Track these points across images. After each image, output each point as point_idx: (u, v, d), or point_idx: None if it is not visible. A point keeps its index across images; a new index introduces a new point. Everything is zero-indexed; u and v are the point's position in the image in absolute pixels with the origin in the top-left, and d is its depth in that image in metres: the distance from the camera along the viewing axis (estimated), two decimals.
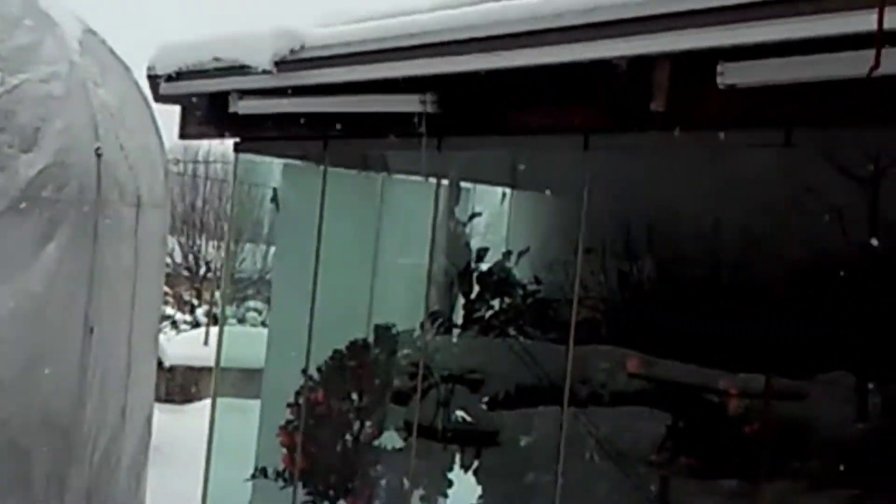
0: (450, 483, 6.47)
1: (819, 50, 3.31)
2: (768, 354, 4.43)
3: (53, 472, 6.81)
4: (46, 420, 6.75)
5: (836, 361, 5.89)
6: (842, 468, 5.54)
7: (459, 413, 6.49)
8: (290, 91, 5.44)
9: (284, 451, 6.62)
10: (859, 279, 5.88)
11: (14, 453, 6.68)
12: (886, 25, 2.66)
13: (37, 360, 6.74)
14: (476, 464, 6.40)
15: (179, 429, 9.59)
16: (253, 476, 6.78)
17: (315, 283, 6.51)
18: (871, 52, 2.67)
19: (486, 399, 6.60)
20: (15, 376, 6.67)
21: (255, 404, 7.22)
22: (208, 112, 6.54)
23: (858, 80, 2.96)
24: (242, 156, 6.98)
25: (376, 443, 6.57)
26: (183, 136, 6.85)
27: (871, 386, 5.80)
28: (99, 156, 6.92)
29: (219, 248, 16.05)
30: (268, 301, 8.82)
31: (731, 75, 3.66)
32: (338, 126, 5.84)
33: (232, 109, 5.85)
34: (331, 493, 6.52)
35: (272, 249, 8.86)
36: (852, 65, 3.06)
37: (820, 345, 5.94)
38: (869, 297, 5.90)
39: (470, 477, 6.44)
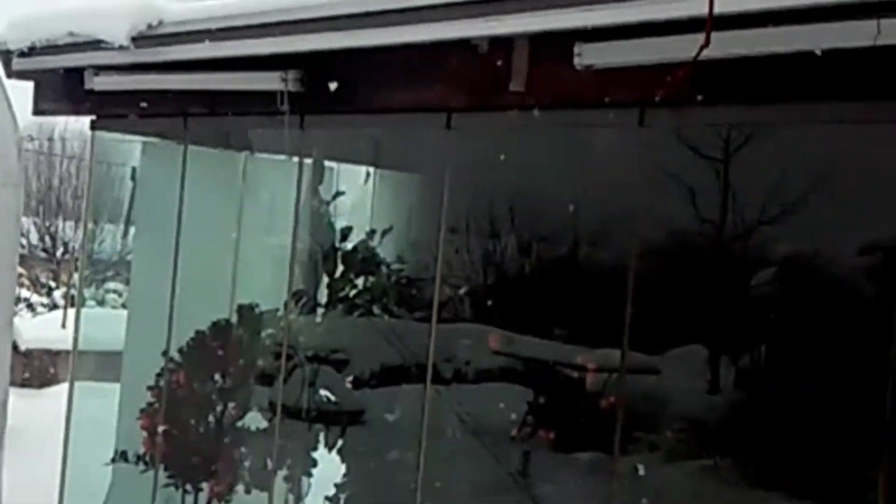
0: (314, 462, 6.47)
1: (672, 32, 3.41)
2: (624, 330, 4.55)
3: None
4: None
5: (690, 336, 6.08)
6: (694, 440, 5.73)
7: (324, 392, 6.49)
8: (147, 67, 5.35)
9: (145, 434, 6.53)
10: (711, 257, 6.08)
11: None
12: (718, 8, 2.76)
13: None
14: (340, 443, 6.42)
15: (37, 413, 9.36)
16: (113, 460, 6.67)
17: (176, 264, 6.42)
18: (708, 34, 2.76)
19: (350, 378, 6.61)
20: None
21: (115, 388, 7.09)
22: (63, 88, 6.37)
23: (710, 61, 3.07)
24: (100, 133, 6.82)
25: (240, 424, 6.53)
26: (37, 112, 6.66)
27: (723, 359, 6.00)
28: None
29: (77, 228, 15.64)
30: (128, 283, 8.64)
31: (587, 56, 3.75)
32: (198, 103, 5.77)
33: (88, 86, 5.71)
34: (193, 475, 6.45)
35: (132, 230, 8.68)
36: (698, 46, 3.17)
37: (673, 320, 6.14)
38: (720, 273, 6.10)
39: (335, 456, 6.45)
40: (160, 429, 6.42)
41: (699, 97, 3.65)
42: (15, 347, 8.72)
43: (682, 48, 3.39)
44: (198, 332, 6.52)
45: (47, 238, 16.29)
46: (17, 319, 8.83)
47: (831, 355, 5.34)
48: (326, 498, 6.27)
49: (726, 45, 3.10)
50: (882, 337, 3.90)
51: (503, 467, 6.02)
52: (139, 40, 5.12)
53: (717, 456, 5.55)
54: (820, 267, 5.63)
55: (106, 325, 7.77)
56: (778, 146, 4.90)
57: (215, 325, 6.55)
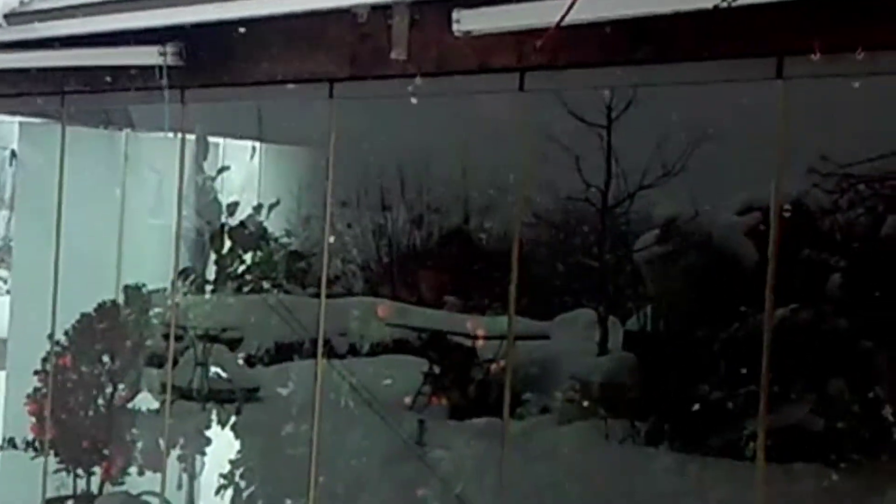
0: (208, 441, 6.43)
1: None
2: (512, 296, 4.61)
3: None
4: None
5: (577, 301, 6.19)
6: (584, 401, 5.84)
7: (217, 370, 6.46)
8: (21, 45, 5.22)
9: (33, 419, 6.40)
10: (596, 221, 6.19)
11: None
12: None
13: None
14: (234, 420, 6.39)
15: None
16: (0, 447, 6.53)
17: (58, 247, 6.30)
18: None
19: (243, 356, 6.58)
20: None
21: (0, 374, 6.95)
22: None
23: (590, 25, 3.12)
24: None
25: (130, 405, 6.44)
26: None
27: (610, 322, 6.11)
28: None
29: None
30: (10, 268, 8.45)
31: (466, 22, 3.77)
32: (76, 81, 5.65)
33: None
34: (85, 459, 6.35)
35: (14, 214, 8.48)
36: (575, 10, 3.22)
37: (561, 285, 6.24)
38: (605, 238, 6.22)
39: (228, 433, 6.42)
40: (48, 413, 6.30)
41: (576, 59, 3.71)
42: None
43: (557, 11, 3.45)
44: (83, 315, 6.41)
45: None
46: None
47: (712, 313, 5.50)
48: (221, 475, 6.24)
49: (596, 8, 3.15)
50: (758, 293, 4.02)
51: (399, 437, 6.06)
52: (11, 17, 4.99)
53: (606, 415, 5.67)
54: (700, 227, 5.78)
55: None
56: (658, 110, 5.00)
57: (101, 306, 6.44)
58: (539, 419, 5.80)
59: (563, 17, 2.73)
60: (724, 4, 2.74)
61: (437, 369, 6.47)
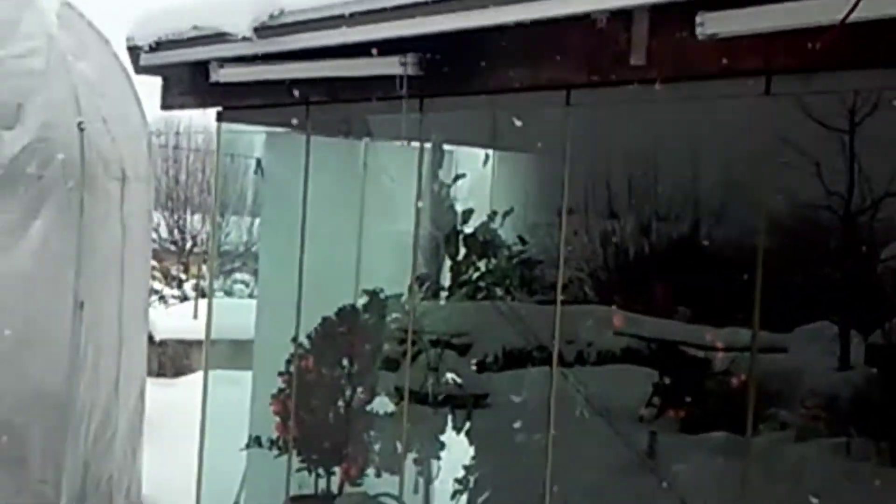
0: (442, 445, 6.52)
1: None
2: (753, 308, 4.48)
3: (49, 448, 6.86)
4: (40, 396, 6.80)
5: (818, 313, 5.96)
6: (827, 417, 5.62)
7: (450, 376, 6.54)
8: (270, 58, 5.45)
9: (277, 419, 6.65)
10: (839, 230, 5.94)
11: (8, 430, 6.72)
12: None
13: (28, 336, 6.78)
14: (468, 425, 6.46)
15: (172, 402, 9.62)
16: (247, 446, 6.82)
17: (302, 252, 6.53)
18: None
19: (474, 362, 6.64)
20: (6, 353, 6.71)
21: (247, 375, 7.25)
22: (189, 82, 6.53)
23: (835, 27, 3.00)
24: (225, 126, 6.98)
25: (368, 408, 6.61)
26: (165, 106, 6.84)
27: (853, 335, 5.87)
28: (82, 130, 6.94)
29: (204, 221, 16.02)
30: (254, 273, 8.83)
31: (710, 25, 3.69)
32: (319, 92, 5.85)
33: (213, 78, 5.84)
34: (325, 459, 6.56)
35: (257, 221, 8.84)
36: (826, 10, 3.11)
37: (801, 297, 6.02)
38: (848, 247, 5.97)
39: (462, 439, 6.50)
40: (292, 414, 6.54)
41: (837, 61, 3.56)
42: (150, 338, 9.00)
43: (808, 12, 3.34)
44: (324, 319, 6.63)
45: (176, 231, 16.73)
46: (151, 311, 9.11)
47: None
48: (456, 480, 6.32)
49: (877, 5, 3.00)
50: None
51: (631, 448, 5.99)
52: (261, 31, 5.21)
53: (850, 433, 5.44)
54: None
55: (236, 314, 7.94)
56: None
57: (341, 310, 6.65)
58: (777, 435, 5.62)
59: (848, 14, 2.61)
60: None
61: (667, 380, 6.35)
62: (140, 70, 6.55)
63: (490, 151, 7.40)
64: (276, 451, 6.62)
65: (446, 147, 6.77)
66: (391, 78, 5.05)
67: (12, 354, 6.69)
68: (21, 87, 6.81)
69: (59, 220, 6.85)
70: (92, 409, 7.11)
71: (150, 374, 8.32)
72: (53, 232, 6.83)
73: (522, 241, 6.61)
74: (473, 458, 6.42)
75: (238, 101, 6.42)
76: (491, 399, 6.50)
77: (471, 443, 6.45)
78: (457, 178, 6.83)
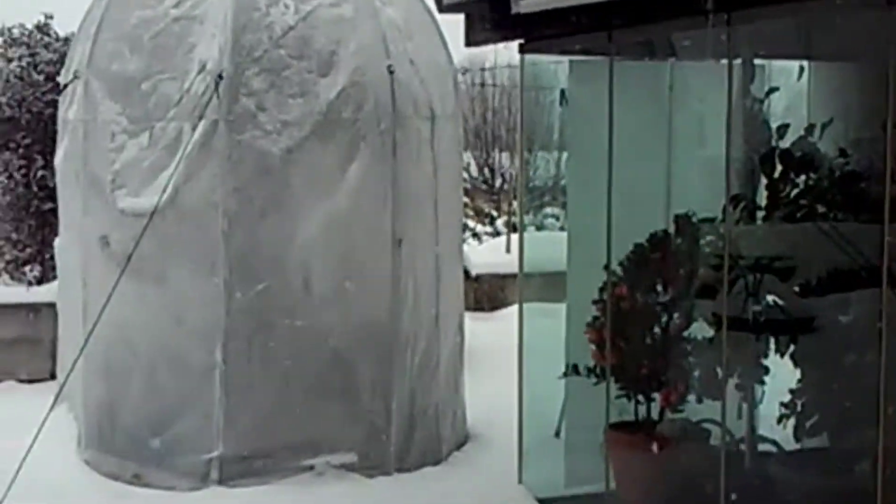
0: (766, 370, 6.33)
1: None
2: None
3: (377, 379, 7.19)
4: (366, 330, 7.13)
5: None
6: None
7: (771, 298, 6.30)
8: None
9: (593, 347, 6.66)
10: None
11: (338, 363, 7.11)
12: None
13: (351, 274, 7.12)
14: (792, 349, 6.22)
15: (490, 334, 9.86)
16: (565, 374, 6.88)
17: (610, 179, 6.47)
18: None
19: (797, 285, 6.35)
20: (331, 290, 7.07)
21: (560, 308, 7.28)
22: (491, 16, 6.55)
23: None
24: (528, 58, 6.98)
25: (685, 334, 6.50)
26: (469, 43, 6.90)
27: None
28: (391, 72, 7.15)
29: (512, 158, 16.20)
30: (563, 206, 8.82)
31: None
32: (621, 15, 5.73)
33: (514, 10, 5.83)
34: (643, 386, 6.51)
35: (564, 155, 8.80)
36: None
37: None
38: None
39: (786, 363, 6.26)
40: (608, 341, 6.52)
41: None
42: (466, 274, 9.23)
43: None
44: (636, 245, 6.54)
45: (486, 170, 17.01)
46: (465, 247, 9.33)
47: None
48: (782, 404, 6.12)
49: None
50: None
51: None
52: None
53: None
54: None
55: (547, 247, 7.99)
56: None
57: (653, 236, 6.54)
58: None
59: None
60: None
61: None
62: (444, 9, 6.64)
63: (805, 63, 7.01)
64: (593, 379, 6.64)
65: (757, 62, 6.47)
66: None
67: (338, 291, 7.04)
68: (333, 35, 7.08)
69: (374, 161, 7.11)
70: (415, 342, 7.38)
71: (467, 308, 8.54)
72: (369, 173, 7.10)
73: (844, 153, 6.22)
74: (799, 381, 6.18)
75: (539, 31, 6.40)
76: (817, 322, 6.21)
77: (796, 366, 6.22)
78: (770, 91, 6.52)
